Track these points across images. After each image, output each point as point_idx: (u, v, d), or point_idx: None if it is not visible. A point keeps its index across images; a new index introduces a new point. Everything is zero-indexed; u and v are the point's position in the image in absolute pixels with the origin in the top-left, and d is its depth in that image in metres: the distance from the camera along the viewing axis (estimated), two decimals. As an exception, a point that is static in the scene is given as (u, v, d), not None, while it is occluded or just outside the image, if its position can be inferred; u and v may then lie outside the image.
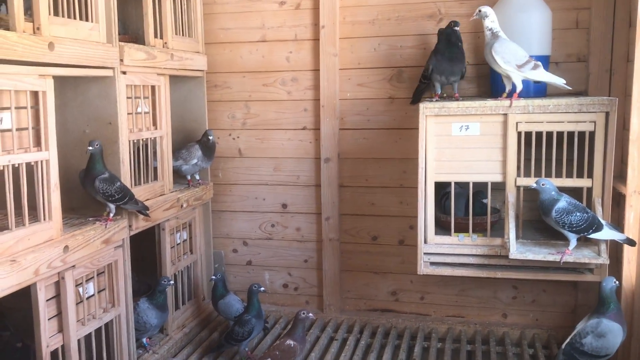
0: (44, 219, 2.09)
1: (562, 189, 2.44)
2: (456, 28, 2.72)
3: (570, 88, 2.56)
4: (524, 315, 3.22)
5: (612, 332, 2.14)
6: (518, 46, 2.55)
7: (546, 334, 3.09)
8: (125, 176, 2.52)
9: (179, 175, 3.14)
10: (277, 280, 3.55)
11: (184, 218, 3.13)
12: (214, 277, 3.02)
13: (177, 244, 3.09)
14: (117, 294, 2.50)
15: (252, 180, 3.50)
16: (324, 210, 3.36)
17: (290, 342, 2.55)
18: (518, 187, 2.56)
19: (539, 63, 2.54)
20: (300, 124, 3.38)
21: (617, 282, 2.25)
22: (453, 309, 3.30)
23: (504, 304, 3.24)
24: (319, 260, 3.45)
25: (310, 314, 2.58)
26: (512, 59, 2.51)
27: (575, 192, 2.50)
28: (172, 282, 2.82)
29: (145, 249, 3.11)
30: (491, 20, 2.58)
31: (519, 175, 2.55)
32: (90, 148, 2.35)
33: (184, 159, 3.09)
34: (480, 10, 2.60)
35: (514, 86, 2.55)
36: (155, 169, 2.87)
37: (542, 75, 2.54)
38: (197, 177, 3.24)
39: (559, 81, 2.53)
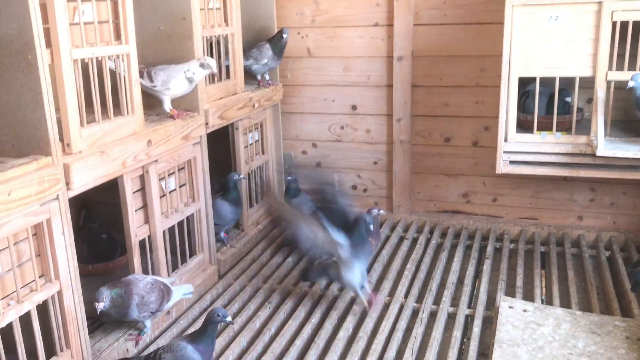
0: (127, 113, 2.12)
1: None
2: None
3: None
4: (601, 218, 3.14)
5: None
6: None
7: (624, 237, 3.02)
8: (201, 73, 2.51)
9: (248, 76, 3.11)
10: (346, 182, 3.56)
11: (256, 118, 3.14)
12: (289, 177, 3.05)
13: (250, 144, 3.12)
14: (197, 190, 2.57)
15: (321, 81, 3.44)
16: (396, 112, 3.29)
17: (365, 238, 2.58)
18: (609, 82, 2.41)
19: None
20: (371, 20, 3.24)
21: None
22: (526, 211, 3.25)
23: (581, 207, 3.15)
24: (389, 162, 3.42)
25: (382, 211, 2.59)
26: None
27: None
28: (241, 176, 2.88)
29: (217, 152, 3.15)
30: None
31: (610, 69, 2.39)
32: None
33: (254, 58, 3.05)
34: None
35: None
36: (228, 67, 2.86)
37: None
38: (267, 77, 3.21)
39: None
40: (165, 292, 2.15)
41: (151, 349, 2.17)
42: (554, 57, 2.45)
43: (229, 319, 1.86)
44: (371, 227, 2.21)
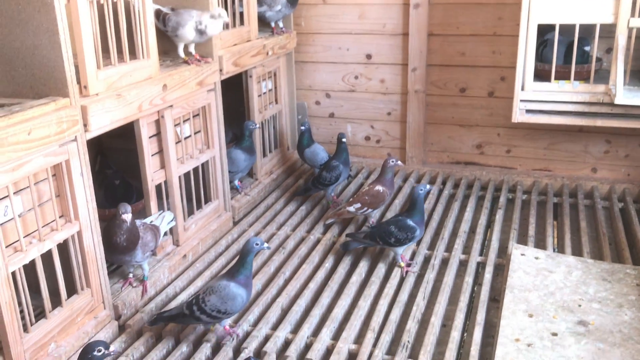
0: (143, 57, 2.11)
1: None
2: None
3: None
4: (615, 170, 3.13)
5: None
6: None
7: (638, 188, 3.01)
8: (215, 18, 2.48)
9: (262, 23, 3.07)
10: (359, 133, 3.56)
11: (269, 67, 3.11)
12: (302, 127, 3.04)
13: (264, 93, 3.11)
14: (212, 137, 2.58)
15: (335, 29, 3.39)
16: (411, 61, 3.25)
17: (379, 187, 2.60)
18: (630, 29, 2.36)
19: None
20: (388, -34, 3.18)
21: None
22: (540, 162, 3.24)
23: (595, 159, 3.14)
24: (403, 112, 3.40)
25: (399, 161, 2.59)
26: None
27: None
28: (256, 125, 2.88)
29: (230, 102, 3.14)
30: None
31: (632, 15, 2.34)
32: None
33: (268, 4, 3.01)
34: None
35: None
36: (242, 14, 2.82)
37: None
38: (281, 24, 3.17)
39: None
40: (155, 230, 2.18)
41: (169, 290, 2.22)
42: (574, 3, 2.40)
43: (265, 245, 1.92)
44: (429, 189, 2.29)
